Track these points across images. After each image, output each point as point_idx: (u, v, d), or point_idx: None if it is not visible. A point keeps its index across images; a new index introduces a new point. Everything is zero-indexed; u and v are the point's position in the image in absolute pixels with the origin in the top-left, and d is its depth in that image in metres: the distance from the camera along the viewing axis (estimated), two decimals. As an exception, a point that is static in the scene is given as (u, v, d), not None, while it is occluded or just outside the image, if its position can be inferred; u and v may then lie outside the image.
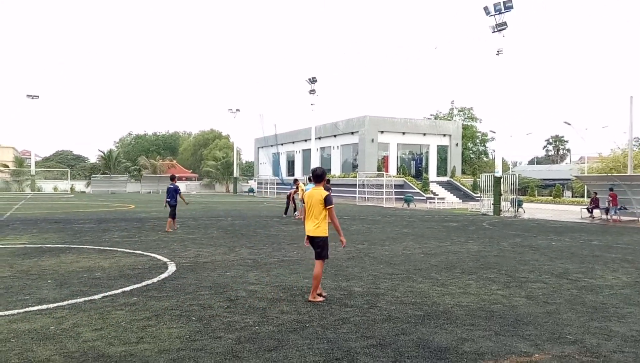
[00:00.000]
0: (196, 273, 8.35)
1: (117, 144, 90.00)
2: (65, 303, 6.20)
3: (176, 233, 14.48)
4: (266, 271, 8.57)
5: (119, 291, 6.89)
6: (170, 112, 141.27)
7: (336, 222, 6.48)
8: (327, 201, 6.40)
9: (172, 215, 15.24)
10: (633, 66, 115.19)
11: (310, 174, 6.90)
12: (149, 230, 15.60)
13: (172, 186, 15.44)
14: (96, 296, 6.55)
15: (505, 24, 25.66)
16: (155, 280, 7.71)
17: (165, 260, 9.67)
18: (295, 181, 23.30)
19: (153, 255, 10.30)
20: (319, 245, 6.52)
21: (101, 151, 70.87)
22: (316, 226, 6.47)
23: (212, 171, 70.54)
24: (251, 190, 61.11)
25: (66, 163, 75.41)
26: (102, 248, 11.25)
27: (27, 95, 55.22)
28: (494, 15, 25.75)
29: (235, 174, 63.06)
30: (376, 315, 5.87)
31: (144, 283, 7.42)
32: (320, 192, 6.49)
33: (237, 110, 61.00)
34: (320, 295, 6.65)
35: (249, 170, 79.49)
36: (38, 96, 55.93)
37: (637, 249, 12.58)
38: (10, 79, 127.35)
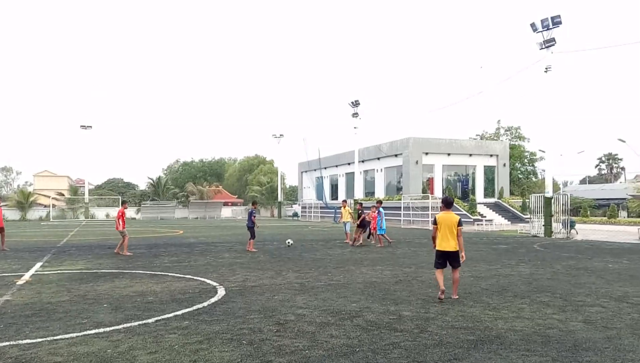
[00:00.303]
0: (245, 297, 8.48)
1: (165, 171, 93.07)
2: (120, 327, 6.43)
3: (224, 258, 14.77)
4: (314, 295, 8.59)
5: (171, 315, 7.09)
6: (215, 139, 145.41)
7: (461, 240, 8.23)
8: (459, 223, 8.17)
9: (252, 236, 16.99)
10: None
11: (441, 202, 8.67)
12: (198, 254, 15.98)
13: (250, 210, 17.64)
14: (150, 320, 6.76)
15: (553, 40, 25.12)
16: (205, 304, 7.89)
17: (214, 284, 9.88)
18: (344, 201, 23.34)
19: (202, 279, 10.54)
20: (455, 258, 8.20)
21: (150, 179, 73.45)
22: (450, 243, 8.14)
23: (257, 196, 71.58)
24: (295, 214, 61.50)
25: (117, 191, 78.44)
26: (153, 272, 11.62)
27: (81, 126, 58.13)
28: (542, 31, 25.28)
29: (279, 199, 63.75)
30: (427, 340, 5.77)
31: (194, 307, 7.60)
32: (452, 216, 8.23)
33: (280, 135, 62.04)
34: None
35: (292, 194, 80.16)
36: (91, 126, 58.87)
37: None
38: (65, 110, 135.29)
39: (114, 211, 63.67)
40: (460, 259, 8.19)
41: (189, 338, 5.85)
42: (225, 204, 72.31)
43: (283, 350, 5.40)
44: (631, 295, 8.63)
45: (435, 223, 8.34)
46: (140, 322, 6.66)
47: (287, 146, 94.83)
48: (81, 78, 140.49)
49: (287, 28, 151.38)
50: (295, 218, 58.55)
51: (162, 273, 11.44)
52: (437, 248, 8.33)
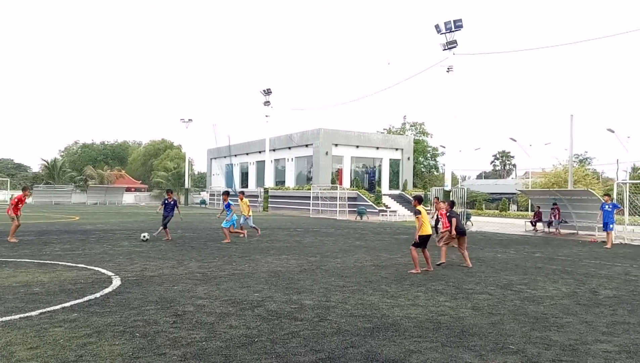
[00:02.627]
0: (142, 287, 8.06)
1: (62, 153, 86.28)
2: (-2, 320, 5.83)
3: (122, 246, 13.97)
4: (215, 285, 8.39)
5: (59, 307, 6.56)
6: (119, 121, 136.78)
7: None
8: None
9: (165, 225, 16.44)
10: (574, 85, 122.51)
11: (415, 199, 10.85)
12: (94, 242, 14.96)
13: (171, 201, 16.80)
14: (33, 313, 6.20)
15: (455, 42, 26.66)
16: (98, 294, 7.39)
17: (109, 273, 9.29)
18: (241, 193, 19.55)
19: (97, 268, 9.87)
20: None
21: (44, 160, 67.79)
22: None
23: (163, 182, 68.79)
24: (203, 202, 59.96)
25: (6, 172, 71.30)
26: (42, 261, 10.68)
27: (-36, 99, 52.05)
28: (445, 33, 26.70)
29: (186, 186, 61.75)
30: (326, 328, 5.87)
31: (85, 299, 7.09)
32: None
33: (189, 120, 59.96)
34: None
35: (201, 181, 78.02)
36: (-25, 100, 52.83)
37: (576, 261, 13.25)
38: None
39: (1, 194, 57.91)
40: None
41: (76, 332, 5.43)
42: (128, 189, 68.66)
43: (179, 342, 5.21)
44: (515, 282, 9.46)
45: (419, 213, 10.40)
46: (22, 315, 6.08)
47: (196, 132, 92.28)
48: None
49: (200, 11, 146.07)
50: (203, 206, 57.06)
51: (52, 262, 10.55)
52: (423, 233, 10.39)
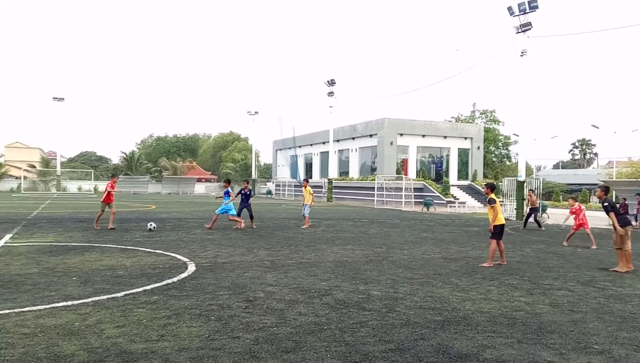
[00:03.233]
0: (215, 273, 8.41)
1: (138, 146, 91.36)
2: (89, 300, 6.32)
3: (195, 234, 14.62)
4: (284, 273, 8.57)
5: (140, 289, 6.99)
6: (190, 115, 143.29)
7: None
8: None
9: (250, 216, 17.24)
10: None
11: (488, 187, 10.41)
12: (170, 230, 15.78)
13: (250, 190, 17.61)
14: (118, 294, 6.65)
15: (530, 24, 25.25)
16: (175, 279, 7.79)
17: (185, 259, 9.77)
18: (305, 180, 19.60)
19: (173, 254, 10.41)
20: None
21: (123, 153, 72.02)
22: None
23: (231, 173, 71.09)
24: (269, 192, 61.30)
25: (90, 164, 76.86)
26: (124, 247, 11.42)
27: (53, 98, 56.34)
28: (519, 15, 25.37)
29: (253, 176, 63.41)
30: (395, 320, 5.82)
31: (164, 282, 7.50)
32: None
33: (255, 112, 61.29)
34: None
35: (267, 172, 79.82)
36: (63, 99, 57.04)
37: (665, 257, 12.20)
38: (37, 82, 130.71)
39: (86, 185, 62.49)
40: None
41: (157, 313, 5.77)
42: (199, 180, 71.54)
43: (251, 326, 5.37)
44: (598, 279, 8.86)
45: (494, 202, 10.06)
46: (109, 296, 6.55)
47: (262, 124, 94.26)
48: (55, 49, 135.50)
49: (265, 4, 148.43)
50: (269, 196, 58.37)
51: (133, 248, 11.25)
52: (498, 222, 9.94)
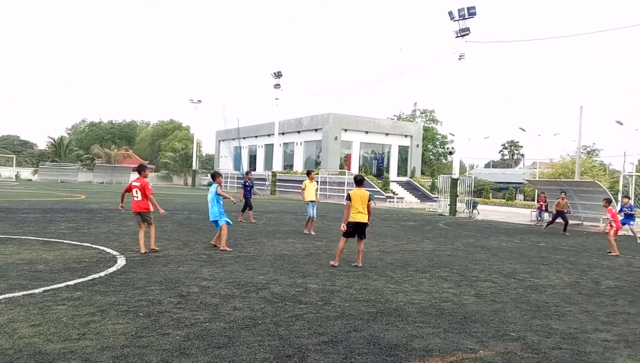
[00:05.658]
0: (147, 267, 8.10)
1: (69, 131, 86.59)
2: (1, 297, 5.86)
3: (128, 226, 14.03)
4: (221, 267, 8.41)
5: (62, 285, 6.58)
6: (127, 101, 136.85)
7: (370, 212, 9.01)
8: (370, 198, 8.96)
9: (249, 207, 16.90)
10: (584, 76, 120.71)
11: (353, 180, 9.54)
12: (100, 221, 15.04)
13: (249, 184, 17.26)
14: (36, 290, 6.23)
15: (468, 29, 26.23)
16: (102, 274, 7.43)
17: (114, 253, 9.33)
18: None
19: (102, 247, 9.93)
20: (364, 230, 8.98)
21: (51, 138, 68.07)
22: (364, 215, 8.83)
23: (170, 163, 69.03)
24: (210, 183, 60.03)
25: (12, 149, 71.80)
26: (46, 239, 10.75)
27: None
28: (458, 20, 26.29)
29: (194, 167, 61.92)
30: (330, 312, 5.86)
31: (90, 277, 7.12)
32: (364, 192, 8.97)
33: (198, 101, 59.81)
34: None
35: (209, 163, 78.18)
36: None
37: (579, 251, 13.17)
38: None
39: (6, 171, 58.42)
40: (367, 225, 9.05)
41: (79, 310, 5.46)
42: (135, 170, 68.88)
43: (182, 322, 5.22)
44: (519, 271, 9.42)
45: (348, 198, 8.95)
46: (25, 292, 6.11)
47: (205, 113, 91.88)
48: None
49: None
50: (208, 187, 57.17)
51: (57, 240, 10.61)
52: (350, 220, 8.87)
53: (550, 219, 19.49)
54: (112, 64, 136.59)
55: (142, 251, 9.36)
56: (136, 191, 9.47)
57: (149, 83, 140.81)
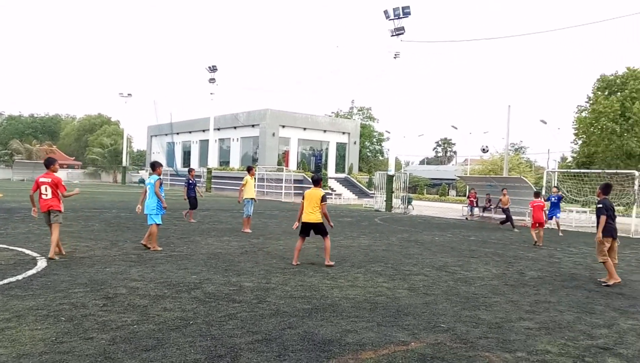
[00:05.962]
0: (70, 269, 7.63)
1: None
2: None
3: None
4: (151, 267, 8.09)
5: (-26, 290, 6.07)
6: (50, 93, 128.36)
7: (327, 213, 9.02)
8: (323, 198, 8.99)
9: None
10: (512, 77, 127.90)
11: (311, 179, 9.61)
12: (19, 221, 14.02)
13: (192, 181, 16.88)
14: (-57, 297, 5.70)
15: (403, 28, 26.89)
16: (20, 277, 6.91)
17: (34, 254, 8.73)
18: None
19: (20, 249, 9.26)
20: (320, 228, 9.00)
21: (-35, 132, 62.66)
22: (315, 215, 8.91)
23: (99, 159, 65.73)
24: (142, 181, 57.84)
25: None
26: (-43, 241, 9.87)
27: None
28: (393, 19, 26.88)
29: (124, 163, 59.32)
30: (264, 310, 5.80)
31: (5, 281, 6.61)
32: (319, 192, 9.02)
33: (128, 95, 57.24)
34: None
35: (140, 159, 75.07)
36: None
37: (507, 244, 13.93)
38: None
39: None
40: (329, 227, 9.21)
41: (-8, 317, 5.04)
42: (60, 166, 64.91)
43: (108, 325, 4.96)
44: (450, 264, 9.80)
45: (303, 198, 9.19)
46: None
47: (135, 107, 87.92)
48: None
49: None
50: (142, 185, 55.03)
51: (-31, 242, 9.78)
52: (303, 220, 9.06)
53: (505, 218, 19.44)
54: (34, 54, 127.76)
55: (50, 255, 8.29)
56: (45, 188, 8.49)
57: (75, 75, 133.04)
